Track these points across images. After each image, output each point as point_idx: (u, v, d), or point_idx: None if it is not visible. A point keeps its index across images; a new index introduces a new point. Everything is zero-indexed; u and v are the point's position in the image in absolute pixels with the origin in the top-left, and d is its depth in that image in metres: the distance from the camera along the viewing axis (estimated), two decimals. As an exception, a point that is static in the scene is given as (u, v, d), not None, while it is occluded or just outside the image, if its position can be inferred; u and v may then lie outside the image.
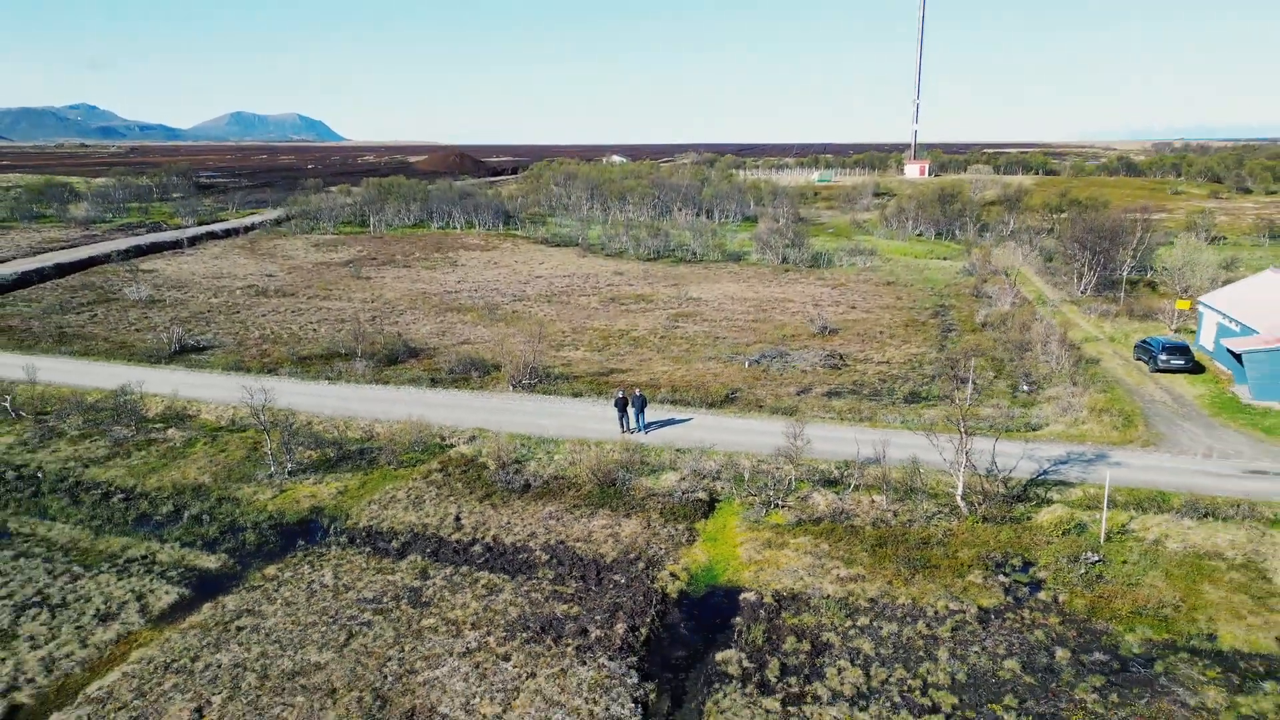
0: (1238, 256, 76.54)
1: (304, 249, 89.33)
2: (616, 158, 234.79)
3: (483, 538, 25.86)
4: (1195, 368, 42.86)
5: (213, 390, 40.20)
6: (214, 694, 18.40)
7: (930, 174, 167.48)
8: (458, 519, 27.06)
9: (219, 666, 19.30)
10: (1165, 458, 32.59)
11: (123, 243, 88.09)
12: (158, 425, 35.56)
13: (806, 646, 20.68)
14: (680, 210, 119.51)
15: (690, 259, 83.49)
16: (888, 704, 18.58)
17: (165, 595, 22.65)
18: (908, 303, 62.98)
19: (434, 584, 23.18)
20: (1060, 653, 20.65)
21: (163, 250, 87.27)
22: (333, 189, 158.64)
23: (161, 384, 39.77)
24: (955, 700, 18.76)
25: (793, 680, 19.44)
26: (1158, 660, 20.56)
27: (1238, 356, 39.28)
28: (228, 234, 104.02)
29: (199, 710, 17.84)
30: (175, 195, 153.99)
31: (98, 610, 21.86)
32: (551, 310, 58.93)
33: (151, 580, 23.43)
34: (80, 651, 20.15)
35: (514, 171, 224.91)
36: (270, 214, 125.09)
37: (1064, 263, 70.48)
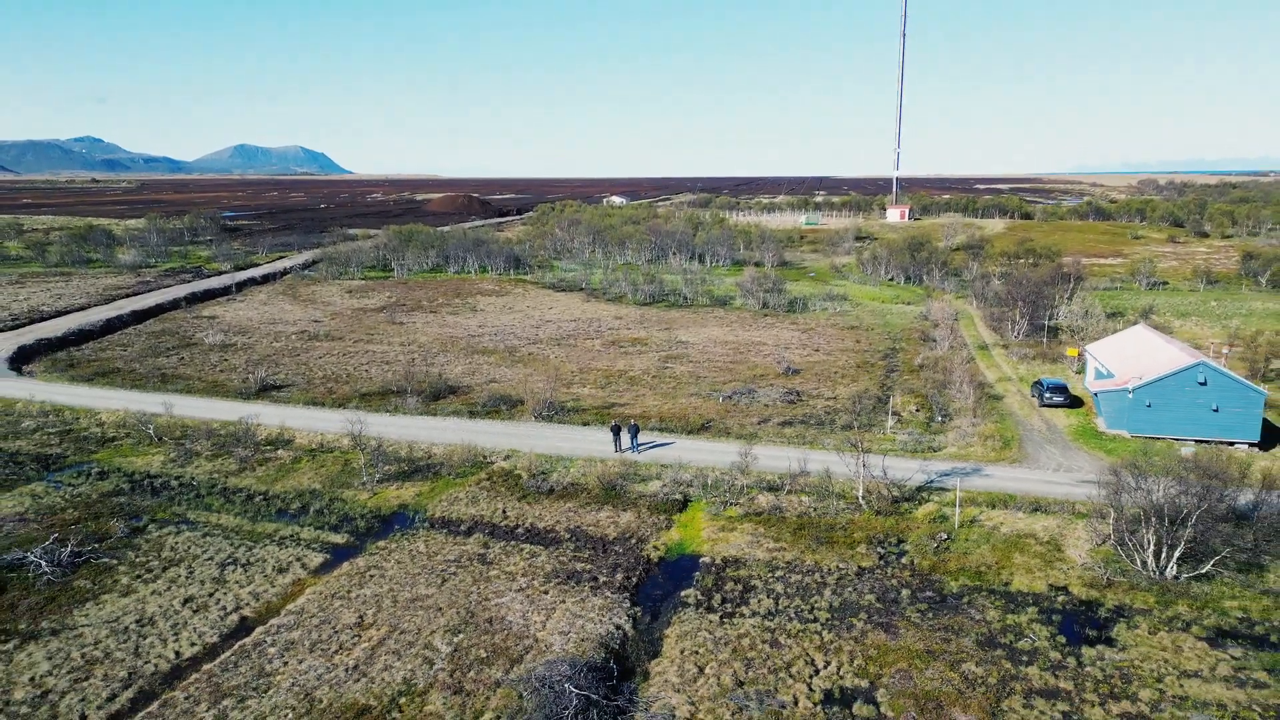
0: (1155, 304, 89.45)
1: (339, 295, 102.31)
2: (617, 199, 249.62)
3: (523, 523, 38.20)
4: (1074, 403, 55.38)
5: (299, 420, 52.63)
6: (367, 609, 30.65)
7: (910, 218, 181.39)
8: (504, 512, 39.41)
9: (366, 595, 31.57)
10: (1024, 471, 45.00)
11: (180, 290, 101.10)
12: (268, 447, 47.99)
13: (740, 588, 32.95)
14: (675, 255, 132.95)
15: (681, 304, 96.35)
16: (786, 618, 30.82)
17: (316, 557, 34.92)
18: (865, 346, 75.62)
19: (494, 551, 35.48)
20: (904, 592, 32.89)
21: (215, 296, 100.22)
22: (353, 231, 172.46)
23: (256, 416, 52.20)
24: (829, 615, 31.00)
25: (729, 605, 31.68)
26: (966, 596, 32.81)
27: (1096, 395, 51.91)
28: (265, 279, 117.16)
29: (360, 617, 30.09)
30: (205, 238, 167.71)
31: (274, 565, 34.11)
32: (561, 352, 71.63)
33: (303, 549, 35.72)
34: (272, 589, 32.39)
35: (519, 212, 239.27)
36: (298, 258, 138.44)
37: (1004, 310, 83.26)
